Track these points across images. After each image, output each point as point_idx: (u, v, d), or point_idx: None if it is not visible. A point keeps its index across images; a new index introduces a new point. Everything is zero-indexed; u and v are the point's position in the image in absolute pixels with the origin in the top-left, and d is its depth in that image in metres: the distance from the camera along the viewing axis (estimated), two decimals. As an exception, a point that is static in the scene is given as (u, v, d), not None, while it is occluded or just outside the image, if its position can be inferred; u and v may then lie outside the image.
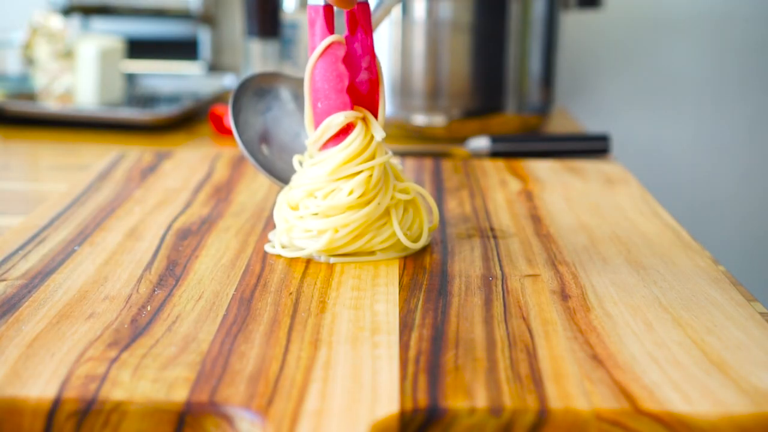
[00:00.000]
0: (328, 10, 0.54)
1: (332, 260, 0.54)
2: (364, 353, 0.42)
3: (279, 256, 0.55)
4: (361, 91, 0.55)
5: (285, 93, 0.65)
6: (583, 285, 0.51)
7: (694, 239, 0.60)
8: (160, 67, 1.31)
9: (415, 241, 0.56)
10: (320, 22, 0.54)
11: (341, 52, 0.54)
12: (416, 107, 0.96)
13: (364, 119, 0.55)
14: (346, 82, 0.54)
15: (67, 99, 1.08)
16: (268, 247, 0.56)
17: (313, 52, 0.55)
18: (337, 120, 0.54)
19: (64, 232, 0.59)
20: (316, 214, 0.55)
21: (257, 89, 0.64)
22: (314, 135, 0.55)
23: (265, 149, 0.63)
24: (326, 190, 0.54)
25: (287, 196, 0.57)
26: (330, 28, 0.55)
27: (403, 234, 0.55)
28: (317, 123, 0.56)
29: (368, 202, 0.54)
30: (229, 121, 0.62)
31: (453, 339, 0.44)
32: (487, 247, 0.58)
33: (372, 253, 0.55)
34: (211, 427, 0.38)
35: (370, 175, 0.54)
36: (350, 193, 0.54)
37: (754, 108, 1.34)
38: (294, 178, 0.57)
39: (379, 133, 0.55)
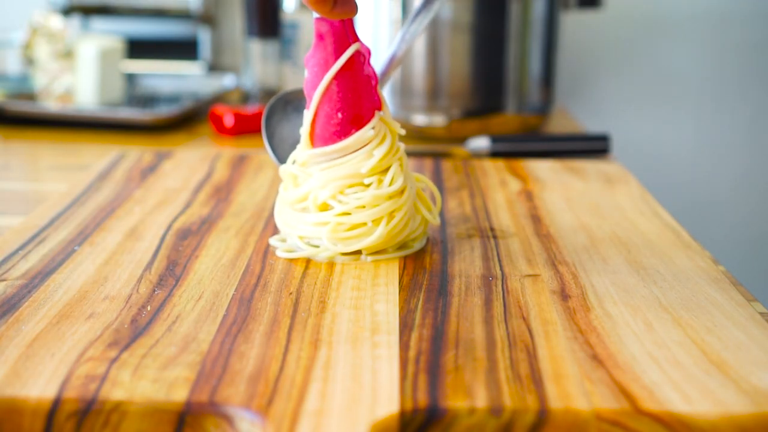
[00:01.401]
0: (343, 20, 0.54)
1: (369, 258, 0.55)
2: (364, 353, 0.42)
3: (279, 256, 0.55)
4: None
5: None
6: (583, 285, 0.51)
7: (694, 239, 0.60)
8: (160, 67, 1.31)
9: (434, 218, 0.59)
10: (339, 32, 0.54)
11: (362, 58, 0.55)
12: (416, 107, 0.96)
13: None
14: (370, 88, 0.55)
15: (67, 99, 1.08)
16: (281, 253, 0.55)
17: (335, 63, 0.54)
18: (368, 134, 0.55)
19: (64, 232, 0.59)
20: (363, 206, 0.55)
21: (293, 104, 0.64)
22: (339, 145, 0.55)
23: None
24: (360, 186, 0.55)
25: (307, 201, 0.56)
26: (351, 37, 0.55)
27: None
28: (335, 133, 0.55)
29: (404, 189, 0.56)
30: (263, 139, 0.62)
31: (453, 339, 0.44)
32: (487, 247, 0.58)
33: (405, 246, 0.56)
34: (211, 427, 0.38)
35: (401, 164, 0.56)
36: (392, 182, 0.55)
37: (753, 107, 1.34)
38: (301, 182, 0.56)
39: (399, 129, 0.57)
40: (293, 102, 0.63)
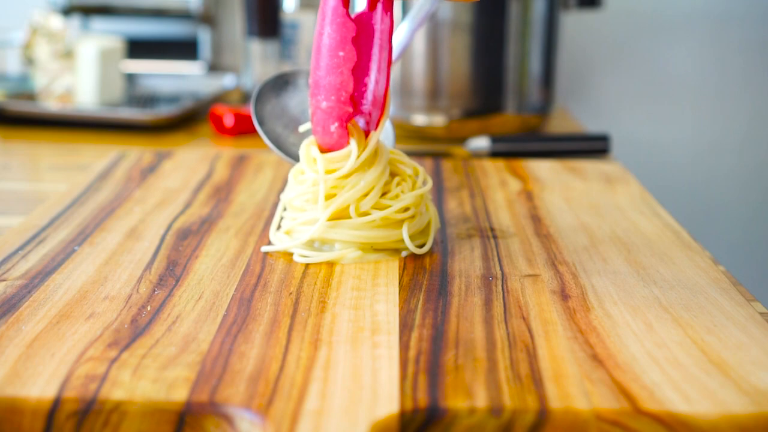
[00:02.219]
0: None
1: (373, 257, 0.55)
2: (364, 353, 0.42)
3: (279, 256, 0.56)
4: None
5: (303, 81, 0.65)
6: (583, 285, 0.51)
7: (694, 239, 0.60)
8: (160, 67, 1.31)
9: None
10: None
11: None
12: (416, 107, 0.96)
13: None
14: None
15: (67, 99, 1.08)
16: (297, 258, 0.55)
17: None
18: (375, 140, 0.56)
19: (64, 232, 0.59)
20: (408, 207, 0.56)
21: (279, 82, 0.64)
22: (369, 150, 0.55)
23: (283, 131, 0.62)
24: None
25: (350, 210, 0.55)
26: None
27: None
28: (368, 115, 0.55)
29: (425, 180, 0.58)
30: (251, 113, 0.61)
31: (453, 339, 0.44)
32: (487, 247, 0.58)
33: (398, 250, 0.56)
34: (211, 427, 0.38)
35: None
36: (425, 180, 0.58)
37: (753, 107, 1.34)
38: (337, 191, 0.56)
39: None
40: (275, 82, 0.63)
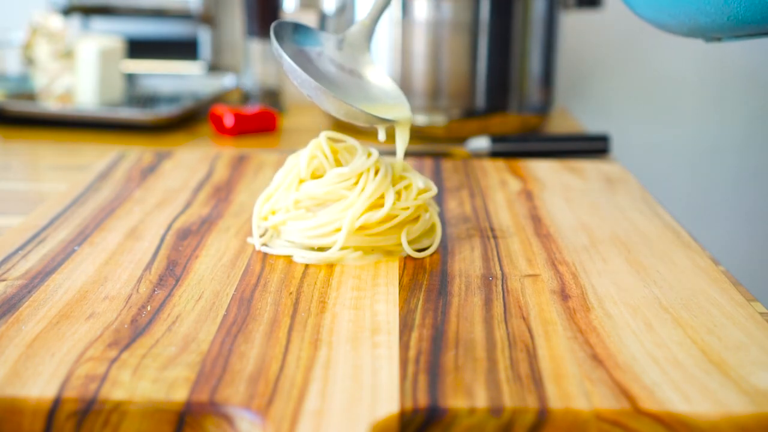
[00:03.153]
0: None
1: (374, 257, 0.55)
2: (364, 353, 0.42)
3: (279, 256, 0.55)
4: None
5: (329, 39, 0.63)
6: (583, 285, 0.51)
7: (694, 239, 0.60)
8: (160, 67, 1.31)
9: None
10: None
11: None
12: (416, 107, 0.96)
13: None
14: None
15: (67, 99, 1.08)
16: (297, 258, 0.55)
17: None
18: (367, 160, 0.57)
19: (64, 232, 0.59)
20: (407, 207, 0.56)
21: (299, 27, 0.62)
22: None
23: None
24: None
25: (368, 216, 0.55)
26: None
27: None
28: None
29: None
30: (274, 42, 0.58)
31: (453, 339, 0.44)
32: (487, 247, 0.58)
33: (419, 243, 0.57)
34: (211, 427, 0.38)
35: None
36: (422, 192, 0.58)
37: (753, 107, 1.34)
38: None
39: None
40: (295, 26, 0.61)
